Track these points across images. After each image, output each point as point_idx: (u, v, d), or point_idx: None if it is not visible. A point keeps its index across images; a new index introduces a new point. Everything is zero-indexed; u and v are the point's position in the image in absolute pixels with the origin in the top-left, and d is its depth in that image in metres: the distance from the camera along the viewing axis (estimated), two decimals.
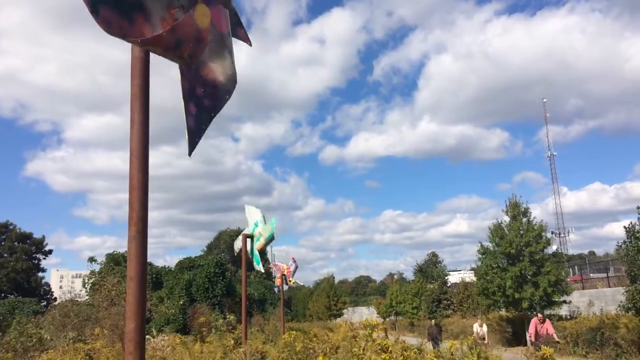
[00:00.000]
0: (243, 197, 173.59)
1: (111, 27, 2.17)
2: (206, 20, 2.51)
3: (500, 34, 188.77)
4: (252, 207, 13.68)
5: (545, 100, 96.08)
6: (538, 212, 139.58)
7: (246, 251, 12.71)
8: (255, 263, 13.17)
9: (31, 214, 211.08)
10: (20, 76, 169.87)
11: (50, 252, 68.79)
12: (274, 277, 28.78)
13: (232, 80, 2.80)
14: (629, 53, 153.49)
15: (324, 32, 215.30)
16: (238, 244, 13.72)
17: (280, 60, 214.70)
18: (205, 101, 2.70)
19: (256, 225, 13.01)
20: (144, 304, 2.61)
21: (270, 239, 13.01)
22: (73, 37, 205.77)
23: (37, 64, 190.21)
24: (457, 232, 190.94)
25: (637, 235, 19.24)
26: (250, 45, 3.24)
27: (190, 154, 2.65)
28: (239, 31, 3.11)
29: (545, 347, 7.50)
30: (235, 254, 15.23)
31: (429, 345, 16.53)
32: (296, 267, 24.66)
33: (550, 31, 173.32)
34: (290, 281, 24.24)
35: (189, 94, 2.65)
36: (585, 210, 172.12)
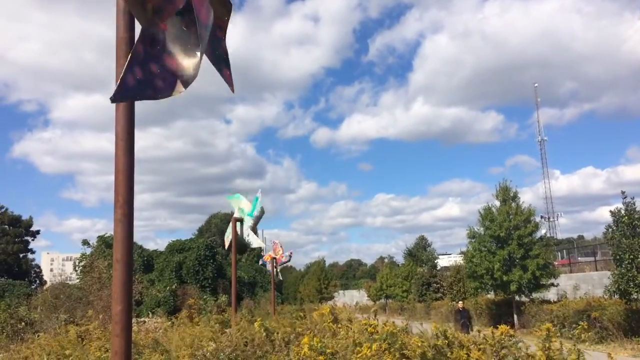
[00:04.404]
0: (235, 180, 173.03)
1: None
2: None
3: (497, 13, 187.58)
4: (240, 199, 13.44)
5: (536, 84, 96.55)
6: (529, 196, 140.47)
7: (235, 234, 12.67)
8: (251, 242, 13.02)
9: (19, 196, 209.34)
10: (3, 54, 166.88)
11: (37, 232, 68.58)
12: (264, 250, 28.66)
13: (190, 80, 2.53)
14: (626, 34, 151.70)
15: (319, 10, 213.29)
16: (229, 237, 13.48)
17: (273, 39, 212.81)
18: (157, 82, 2.44)
19: (242, 211, 12.92)
20: (130, 287, 2.61)
21: (260, 214, 12.90)
22: (57, 13, 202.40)
23: (21, 41, 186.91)
24: (448, 216, 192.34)
25: (623, 219, 19.48)
26: (233, 91, 3.01)
27: (112, 100, 2.30)
28: (224, 71, 3.00)
29: None
30: (226, 248, 15.00)
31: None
32: (288, 260, 24.87)
33: (547, 10, 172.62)
34: (279, 258, 24.30)
35: (140, 59, 2.37)
36: (577, 194, 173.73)
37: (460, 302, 22.91)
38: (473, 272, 27.46)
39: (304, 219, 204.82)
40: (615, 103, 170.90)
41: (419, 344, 5.34)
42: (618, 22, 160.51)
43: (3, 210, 64.54)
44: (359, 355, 5.02)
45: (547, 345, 5.42)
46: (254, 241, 13.16)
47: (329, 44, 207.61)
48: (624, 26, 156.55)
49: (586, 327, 6.84)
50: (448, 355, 5.47)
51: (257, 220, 13.06)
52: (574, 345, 5.78)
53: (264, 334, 7.44)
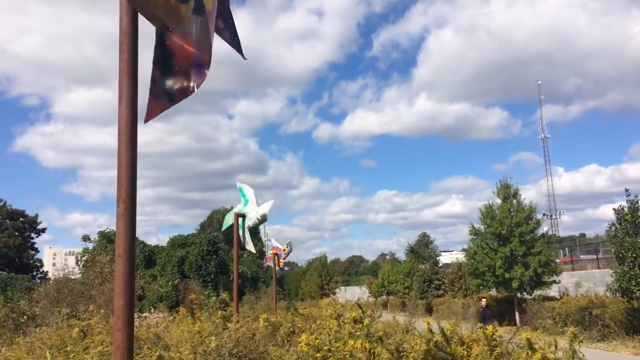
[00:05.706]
0: (238, 175, 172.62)
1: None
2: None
3: (503, 8, 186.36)
4: (244, 185, 13.58)
5: (540, 82, 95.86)
6: (532, 193, 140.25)
7: (237, 229, 12.68)
8: (245, 243, 13.09)
9: (21, 190, 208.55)
10: (4, 47, 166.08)
11: (43, 230, 68.57)
12: (266, 254, 28.99)
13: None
14: (633, 31, 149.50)
15: (323, 5, 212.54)
16: (229, 220, 13.57)
17: (276, 34, 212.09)
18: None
19: (246, 203, 12.92)
20: (133, 281, 2.61)
21: (262, 221, 12.94)
22: (59, 6, 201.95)
23: (22, 34, 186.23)
24: (451, 213, 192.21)
25: (626, 217, 19.43)
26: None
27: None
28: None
29: None
30: (222, 230, 15.08)
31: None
32: (290, 251, 24.87)
33: (552, 6, 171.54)
34: (280, 262, 24.41)
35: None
36: (580, 192, 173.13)
37: (484, 300, 21.23)
38: (475, 270, 27.45)
39: (306, 215, 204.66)
40: (620, 100, 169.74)
41: (421, 341, 5.35)
42: (624, 19, 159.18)
43: (2, 204, 64.42)
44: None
45: (529, 353, 5.42)
46: (248, 244, 13.16)
47: (333, 39, 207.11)
48: (630, 22, 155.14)
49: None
50: (448, 351, 5.46)
51: (257, 225, 13.08)
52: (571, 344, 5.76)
53: (270, 329, 7.44)
